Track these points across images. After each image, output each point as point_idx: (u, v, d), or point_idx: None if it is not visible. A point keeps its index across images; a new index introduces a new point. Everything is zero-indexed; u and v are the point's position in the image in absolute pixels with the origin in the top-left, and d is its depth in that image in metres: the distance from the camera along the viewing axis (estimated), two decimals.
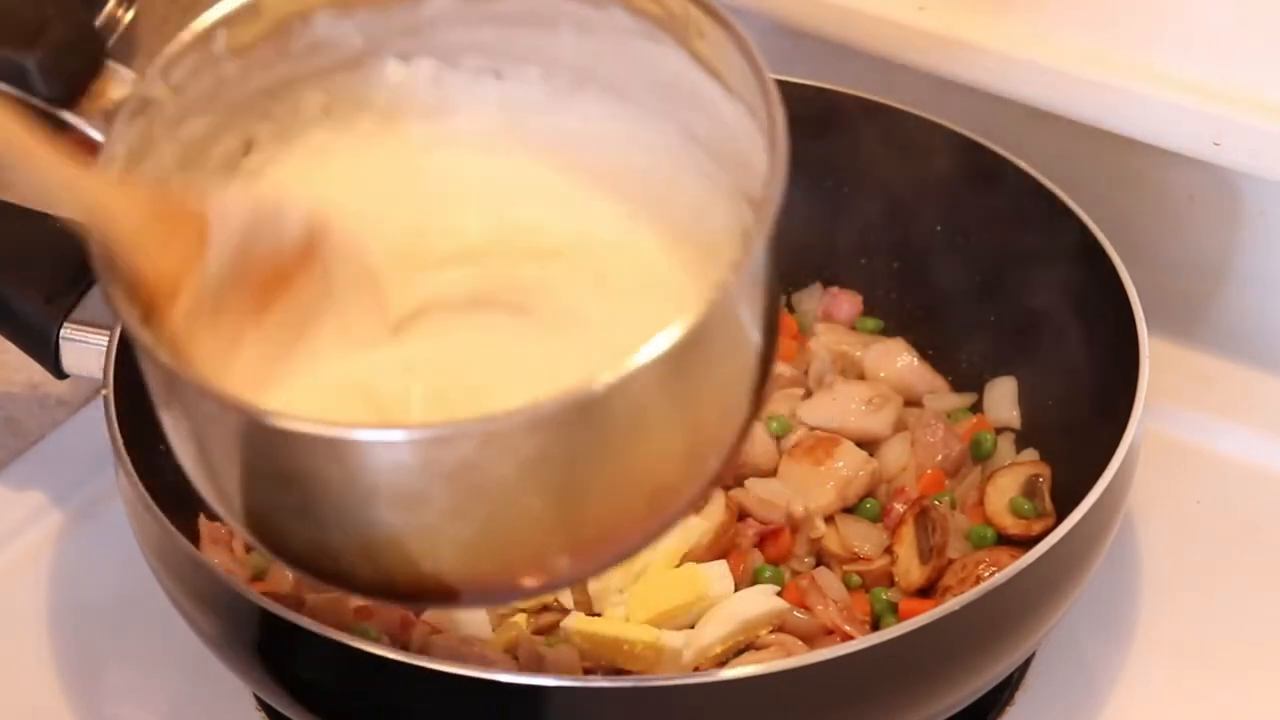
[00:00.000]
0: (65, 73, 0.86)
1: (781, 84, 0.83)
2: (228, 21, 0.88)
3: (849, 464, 1.19)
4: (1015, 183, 1.23)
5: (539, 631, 1.10)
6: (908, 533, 1.15)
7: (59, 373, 1.20)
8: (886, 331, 1.31)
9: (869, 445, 1.22)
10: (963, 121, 1.26)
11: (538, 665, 1.06)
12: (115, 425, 1.08)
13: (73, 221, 0.79)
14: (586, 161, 0.91)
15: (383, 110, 0.93)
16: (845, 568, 1.16)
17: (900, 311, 1.31)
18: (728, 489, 1.19)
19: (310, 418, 0.76)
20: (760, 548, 1.16)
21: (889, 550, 1.16)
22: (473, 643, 1.08)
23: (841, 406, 1.23)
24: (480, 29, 0.91)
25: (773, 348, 0.84)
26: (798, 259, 1.33)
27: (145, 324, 0.81)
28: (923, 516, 1.15)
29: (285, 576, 1.14)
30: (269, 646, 1.01)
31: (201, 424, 0.81)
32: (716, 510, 1.16)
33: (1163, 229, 1.35)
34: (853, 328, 1.32)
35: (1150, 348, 1.11)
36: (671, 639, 1.07)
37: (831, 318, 1.32)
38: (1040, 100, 1.27)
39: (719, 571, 1.12)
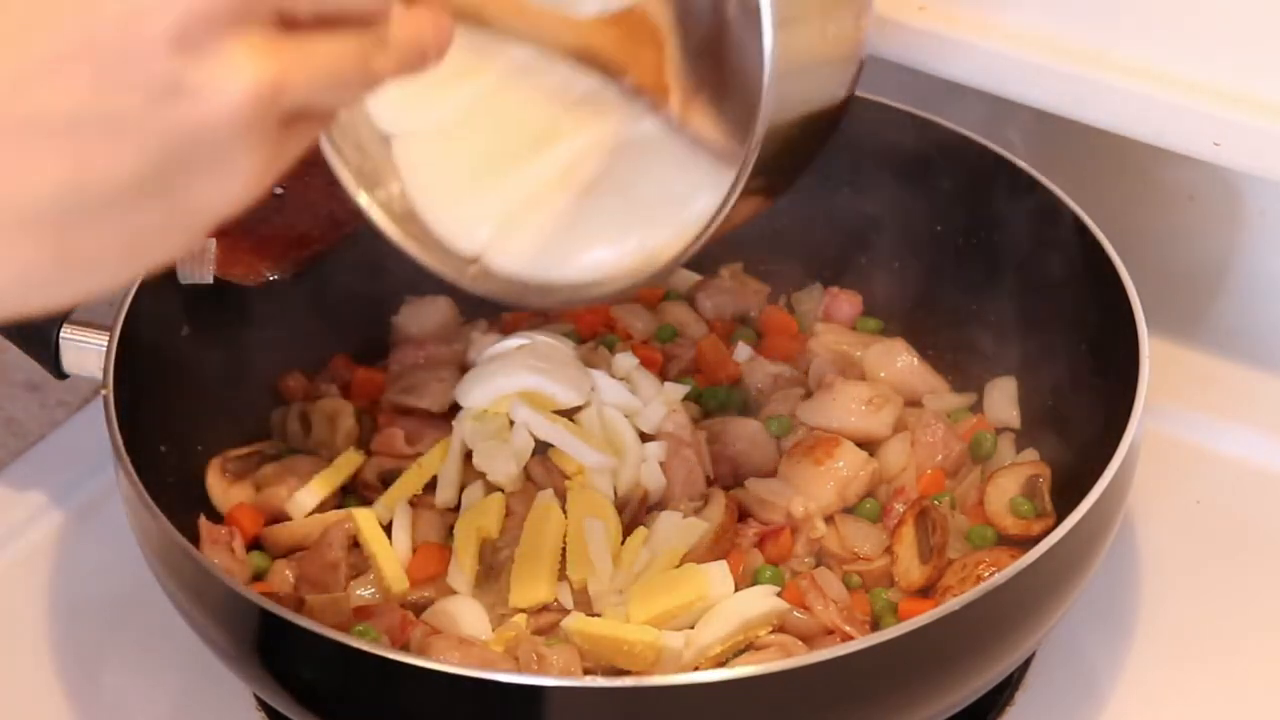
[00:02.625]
0: None
1: None
2: None
3: (849, 464, 1.19)
4: (1015, 183, 1.23)
5: (539, 631, 1.11)
6: (908, 533, 1.15)
7: (59, 373, 1.20)
8: (886, 331, 1.31)
9: (869, 445, 1.22)
10: (963, 121, 1.26)
11: (538, 665, 1.06)
12: (115, 425, 1.08)
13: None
14: None
15: None
16: (845, 568, 1.16)
17: (900, 311, 1.31)
18: (728, 489, 1.19)
19: None
20: (760, 548, 1.16)
21: (889, 550, 1.16)
22: (473, 643, 1.08)
23: (841, 406, 1.23)
24: None
25: None
26: (798, 259, 1.33)
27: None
28: (923, 516, 1.15)
29: (285, 577, 1.14)
30: (269, 646, 1.01)
31: None
32: (716, 510, 1.16)
33: (1163, 229, 1.35)
34: (853, 328, 1.32)
35: (1150, 348, 1.11)
36: (671, 639, 1.07)
37: (831, 318, 1.32)
38: (1040, 100, 1.27)
39: (719, 571, 1.12)
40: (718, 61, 0.91)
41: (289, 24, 0.68)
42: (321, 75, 0.69)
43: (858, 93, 1.24)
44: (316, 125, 0.71)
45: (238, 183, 0.68)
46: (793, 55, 0.87)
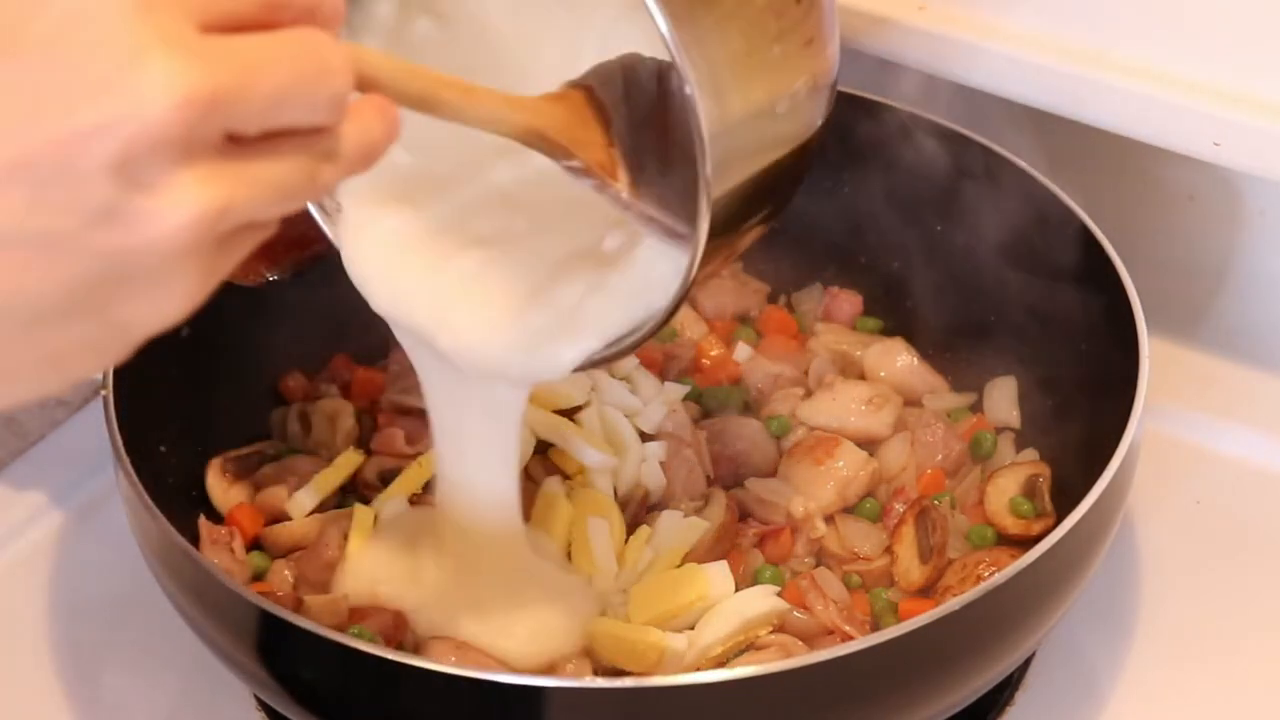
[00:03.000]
0: None
1: None
2: None
3: (849, 464, 1.19)
4: (1015, 183, 1.23)
5: None
6: (908, 533, 1.15)
7: None
8: (886, 331, 1.31)
9: (869, 445, 1.22)
10: (963, 121, 1.26)
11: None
12: (115, 425, 1.08)
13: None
14: None
15: None
16: (845, 568, 1.16)
17: (900, 311, 1.31)
18: (728, 489, 1.19)
19: None
20: (760, 548, 1.16)
21: (889, 550, 1.16)
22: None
23: (841, 406, 1.23)
24: None
25: None
26: (798, 259, 1.33)
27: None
28: (923, 516, 1.15)
29: (285, 577, 1.14)
30: (269, 646, 1.01)
31: None
32: (717, 510, 1.16)
33: (1163, 229, 1.35)
34: (853, 328, 1.32)
35: (1150, 348, 1.11)
36: (674, 640, 1.07)
37: (831, 318, 1.32)
38: (1040, 100, 1.27)
39: (720, 572, 1.12)
40: (661, 133, 0.90)
41: (234, 140, 0.66)
42: (266, 195, 0.68)
43: (858, 92, 1.25)
44: (257, 235, 0.70)
45: (172, 302, 0.67)
46: (726, 121, 0.86)
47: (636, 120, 0.90)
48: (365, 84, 0.73)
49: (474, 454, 1.07)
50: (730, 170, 0.87)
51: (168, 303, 0.67)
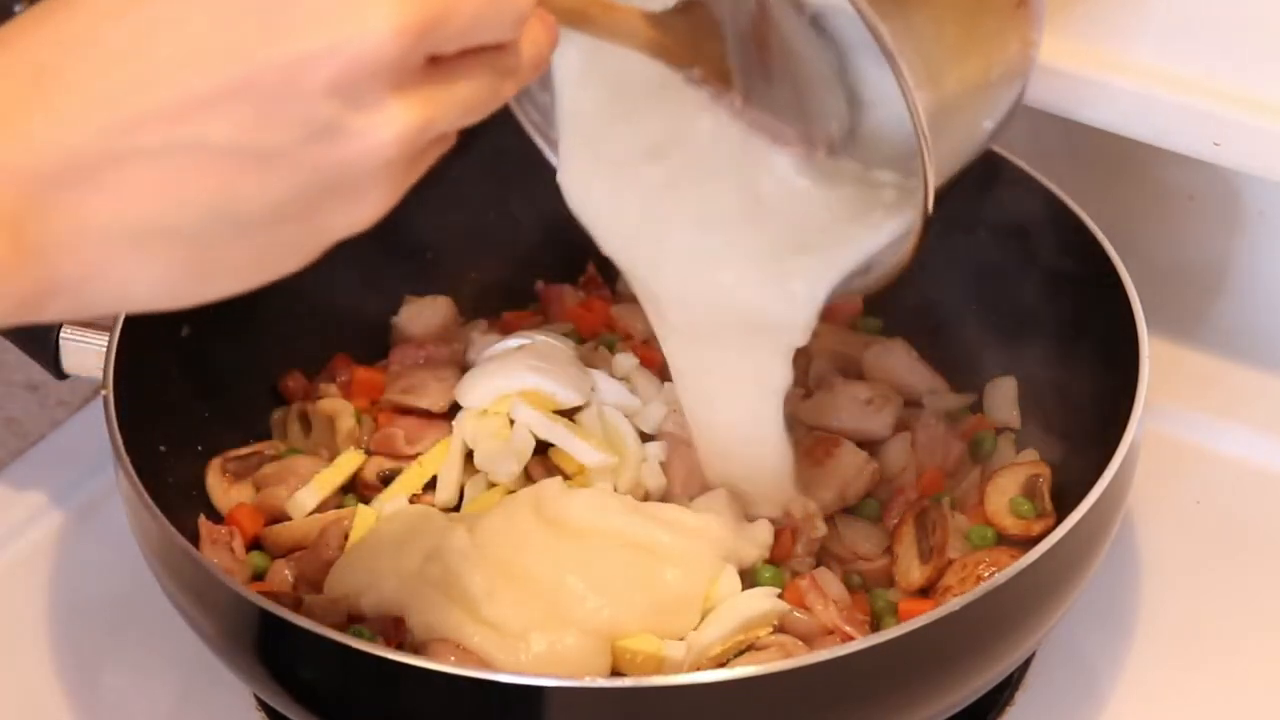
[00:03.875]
0: None
1: None
2: None
3: (849, 464, 1.19)
4: (1015, 182, 1.23)
5: None
6: (908, 533, 1.15)
7: (59, 373, 1.20)
8: (886, 331, 1.31)
9: (869, 445, 1.22)
10: None
11: None
12: (115, 425, 1.08)
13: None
14: None
15: None
16: (845, 568, 1.16)
17: (900, 311, 1.31)
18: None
19: None
20: None
21: (889, 550, 1.16)
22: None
23: (841, 406, 1.23)
24: None
25: None
26: None
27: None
28: (923, 516, 1.15)
29: (285, 577, 1.14)
30: (269, 646, 1.01)
31: None
32: (766, 532, 1.15)
33: (1163, 229, 1.35)
34: (853, 328, 1.32)
35: (1150, 348, 1.11)
36: (673, 649, 1.06)
37: (831, 318, 1.32)
38: (1040, 100, 1.26)
39: (726, 573, 1.11)
40: (762, 48, 0.98)
41: (434, 61, 0.72)
42: (460, 110, 0.74)
43: None
44: (443, 147, 0.76)
45: (369, 208, 0.74)
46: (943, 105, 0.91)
47: (743, 35, 0.98)
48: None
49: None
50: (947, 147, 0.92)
51: (365, 209, 0.74)
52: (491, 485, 1.18)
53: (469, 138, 0.78)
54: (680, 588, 1.09)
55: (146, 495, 1.05)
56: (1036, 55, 0.98)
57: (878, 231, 1.01)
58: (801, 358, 1.27)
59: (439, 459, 1.20)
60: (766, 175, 1.03)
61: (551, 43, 0.79)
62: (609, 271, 1.29)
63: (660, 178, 1.06)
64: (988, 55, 0.94)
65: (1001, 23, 0.95)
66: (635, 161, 1.06)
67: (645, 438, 1.20)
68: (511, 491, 1.17)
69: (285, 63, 0.69)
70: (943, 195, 0.93)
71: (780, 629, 1.10)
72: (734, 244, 1.05)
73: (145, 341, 1.15)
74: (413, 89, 0.71)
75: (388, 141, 0.71)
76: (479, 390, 1.21)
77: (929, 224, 0.92)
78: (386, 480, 1.20)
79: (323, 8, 0.69)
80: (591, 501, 1.12)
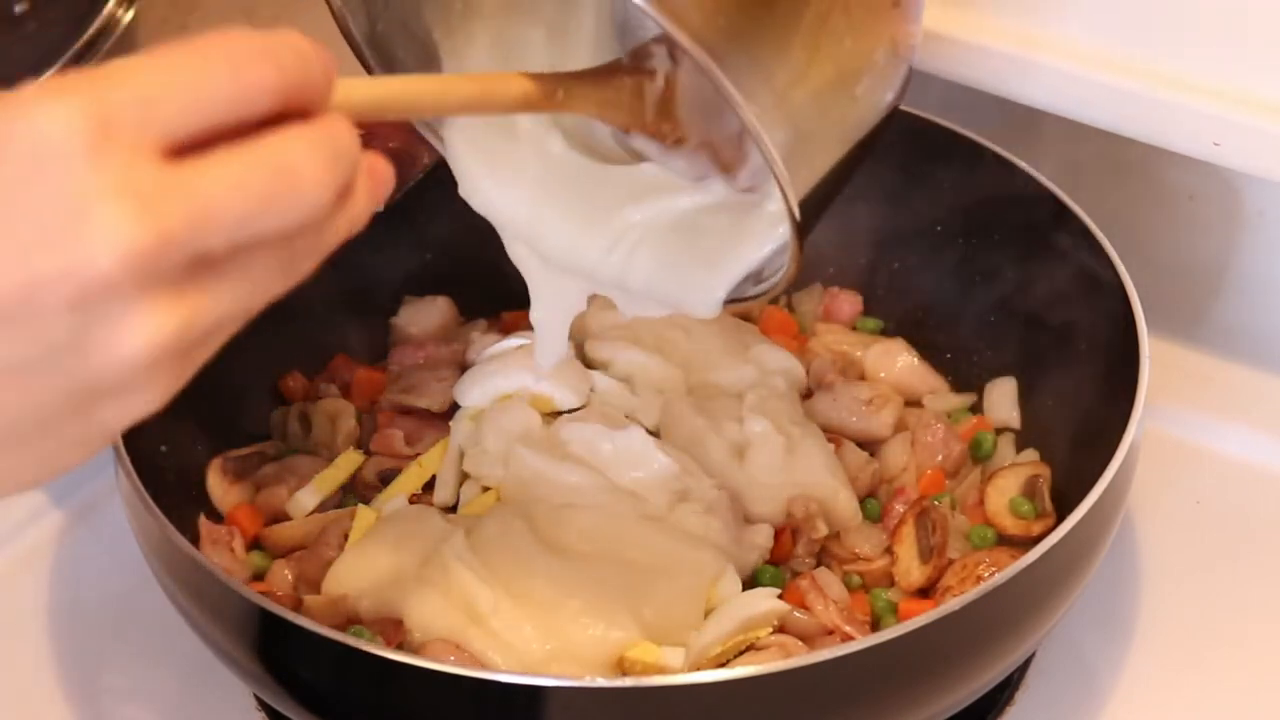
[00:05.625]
0: None
1: None
2: None
3: (849, 464, 1.19)
4: (1015, 183, 1.23)
5: None
6: (908, 533, 1.15)
7: None
8: (886, 331, 1.31)
9: (869, 445, 1.22)
10: (963, 122, 1.26)
11: None
12: None
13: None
14: None
15: None
16: (845, 568, 1.16)
17: (900, 311, 1.31)
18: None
19: None
20: None
21: (889, 550, 1.16)
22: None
23: (841, 406, 1.23)
24: None
25: None
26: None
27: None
28: (923, 516, 1.15)
29: (285, 576, 1.14)
30: (269, 646, 1.01)
31: None
32: (766, 535, 1.15)
33: (1163, 229, 1.35)
34: (853, 328, 1.32)
35: (1150, 348, 1.11)
36: (673, 657, 1.06)
37: (831, 318, 1.32)
38: (1040, 100, 1.27)
39: (727, 574, 1.11)
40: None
41: (203, 260, 0.68)
42: (236, 304, 0.70)
43: None
44: (235, 327, 0.72)
45: (147, 402, 0.70)
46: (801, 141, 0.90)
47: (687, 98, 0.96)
48: (358, 117, 0.74)
49: None
50: (808, 175, 0.91)
51: (141, 403, 0.70)
52: (485, 489, 1.18)
53: None
54: (682, 600, 1.09)
55: (146, 495, 1.05)
56: (917, 44, 0.97)
57: (760, 243, 0.99)
58: (802, 358, 1.28)
59: (438, 459, 1.20)
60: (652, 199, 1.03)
61: (375, 196, 0.74)
62: None
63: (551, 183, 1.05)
64: (848, 65, 0.93)
65: (873, 29, 0.94)
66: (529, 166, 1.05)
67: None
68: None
69: (22, 280, 0.65)
70: (824, 200, 0.93)
71: (780, 629, 1.10)
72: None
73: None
74: (168, 296, 0.67)
75: (139, 349, 0.67)
76: (478, 390, 1.21)
77: (801, 235, 0.91)
78: (386, 480, 1.20)
79: (52, 231, 0.65)
80: (590, 523, 1.12)
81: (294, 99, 0.69)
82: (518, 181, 1.03)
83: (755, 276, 1.00)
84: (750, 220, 1.00)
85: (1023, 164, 1.23)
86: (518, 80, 0.88)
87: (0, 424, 0.68)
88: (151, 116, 0.66)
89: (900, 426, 1.23)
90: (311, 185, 0.69)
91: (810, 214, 0.91)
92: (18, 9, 1.12)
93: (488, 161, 1.04)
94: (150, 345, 0.67)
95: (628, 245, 1.01)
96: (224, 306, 0.69)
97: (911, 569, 1.14)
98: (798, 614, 1.10)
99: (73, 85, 0.66)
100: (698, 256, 1.00)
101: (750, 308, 1.33)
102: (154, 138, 0.66)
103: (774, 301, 1.34)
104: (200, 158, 0.67)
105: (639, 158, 1.04)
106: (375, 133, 1.19)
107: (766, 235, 0.99)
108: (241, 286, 0.70)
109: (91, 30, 1.15)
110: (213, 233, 0.67)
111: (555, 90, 0.91)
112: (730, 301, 1.00)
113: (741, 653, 1.08)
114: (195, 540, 1.13)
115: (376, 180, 0.74)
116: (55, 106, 0.65)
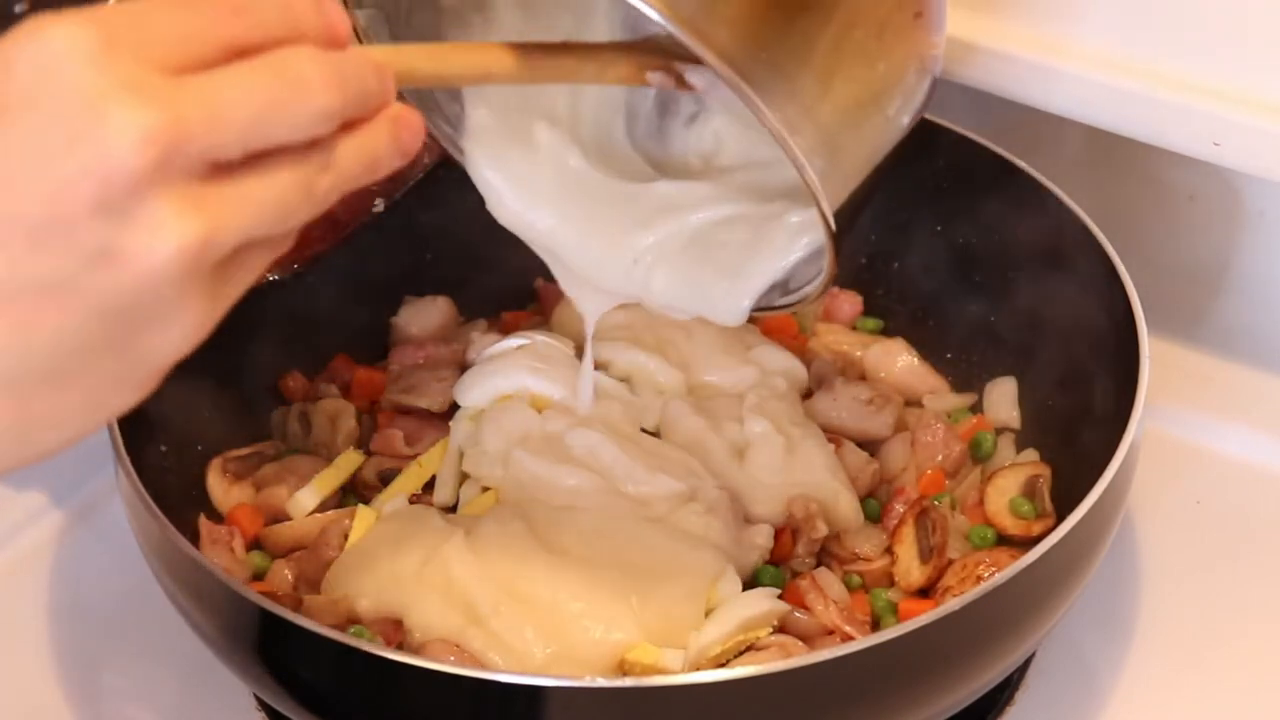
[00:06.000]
0: None
1: None
2: None
3: (849, 464, 1.19)
4: (1015, 183, 1.23)
5: None
6: (908, 533, 1.15)
7: None
8: (886, 331, 1.31)
9: (869, 445, 1.22)
10: (963, 122, 1.26)
11: None
12: (115, 425, 1.08)
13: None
14: None
15: None
16: (845, 568, 1.16)
17: (900, 311, 1.31)
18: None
19: None
20: None
21: (889, 550, 1.16)
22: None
23: (842, 406, 1.23)
24: None
25: None
26: None
27: None
28: (923, 517, 1.15)
29: (285, 576, 1.14)
30: (269, 646, 1.01)
31: None
32: (766, 535, 1.15)
33: (1163, 229, 1.35)
34: (853, 328, 1.32)
35: (1150, 348, 1.11)
36: (672, 659, 1.06)
37: (831, 318, 1.32)
38: (1040, 101, 1.26)
39: (727, 574, 1.11)
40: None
41: (221, 167, 0.69)
42: (258, 217, 0.70)
43: None
44: (266, 253, 0.72)
45: (186, 329, 0.70)
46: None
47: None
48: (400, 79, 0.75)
49: None
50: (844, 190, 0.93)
51: (179, 330, 0.70)
52: (485, 489, 1.18)
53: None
54: (682, 600, 1.09)
55: (146, 495, 1.05)
56: (941, 55, 0.99)
57: (784, 254, 1.01)
58: (802, 358, 1.28)
59: (438, 459, 1.20)
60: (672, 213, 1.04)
61: (395, 144, 0.75)
62: None
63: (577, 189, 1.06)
64: (872, 76, 0.94)
65: (899, 43, 0.95)
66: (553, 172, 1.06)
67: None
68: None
69: (47, 191, 0.66)
70: (856, 209, 0.95)
71: (780, 629, 1.10)
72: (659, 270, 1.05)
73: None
74: (187, 198, 0.67)
75: (170, 255, 0.67)
76: (477, 390, 1.21)
77: (837, 243, 0.93)
78: (386, 480, 1.20)
79: (70, 132, 0.66)
80: (590, 524, 1.12)
81: (292, 43, 0.71)
82: (538, 202, 1.05)
83: (782, 286, 1.02)
84: (771, 231, 1.01)
85: (1023, 164, 1.23)
86: (498, 51, 0.89)
87: (40, 353, 0.68)
88: (152, 38, 0.68)
89: (900, 426, 1.23)
90: (320, 92, 0.70)
91: (844, 223, 0.92)
92: (18, 9, 1.12)
93: (509, 179, 1.05)
94: (179, 251, 0.67)
95: (645, 267, 1.03)
96: (247, 219, 0.70)
97: (911, 569, 1.14)
98: (798, 614, 1.10)
99: (73, 13, 0.67)
100: (719, 270, 1.02)
101: None
102: (158, 56, 0.67)
103: None
104: (205, 72, 0.69)
105: (655, 166, 1.04)
106: None
107: (790, 246, 1.00)
108: (263, 201, 0.70)
109: None
110: (225, 129, 0.68)
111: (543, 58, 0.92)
112: (760, 310, 1.02)
113: (741, 653, 1.08)
114: (195, 540, 1.13)
115: (403, 126, 0.75)
116: (58, 26, 0.67)
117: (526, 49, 0.88)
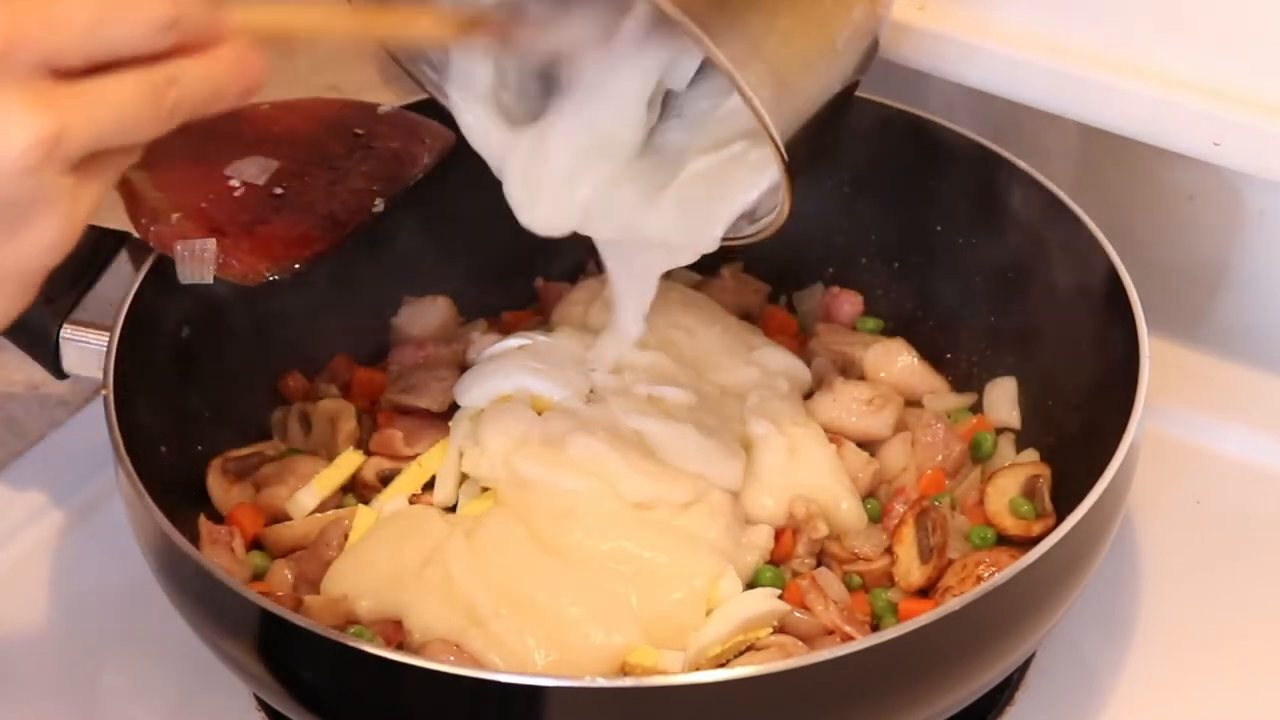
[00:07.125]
0: None
1: None
2: None
3: (849, 464, 1.19)
4: (1015, 183, 1.23)
5: None
6: (908, 533, 1.15)
7: (59, 373, 1.20)
8: (886, 331, 1.31)
9: (869, 445, 1.22)
10: (963, 121, 1.26)
11: None
12: (115, 425, 1.08)
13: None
14: None
15: None
16: (845, 568, 1.16)
17: (900, 311, 1.31)
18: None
19: None
20: None
21: (889, 550, 1.16)
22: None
23: (842, 406, 1.23)
24: None
25: None
26: (798, 259, 1.33)
27: None
28: (923, 517, 1.15)
29: (285, 576, 1.14)
30: (269, 646, 1.01)
31: None
32: (766, 536, 1.15)
33: (1163, 229, 1.35)
34: (853, 328, 1.32)
35: (1150, 348, 1.11)
36: (670, 660, 1.06)
37: (832, 318, 1.32)
38: (1041, 100, 1.27)
39: (727, 575, 1.11)
40: None
41: (65, 74, 0.71)
42: (106, 119, 0.72)
43: (858, 93, 1.25)
44: (120, 161, 0.74)
45: (49, 232, 0.71)
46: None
47: None
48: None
49: None
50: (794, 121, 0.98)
51: (44, 233, 0.71)
52: (485, 489, 1.18)
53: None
54: (683, 601, 1.09)
55: (146, 495, 1.05)
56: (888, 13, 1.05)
57: (747, 187, 1.07)
58: (802, 358, 1.28)
59: (438, 459, 1.20)
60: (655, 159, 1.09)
61: (240, 80, 0.78)
62: None
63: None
64: (824, 16, 0.99)
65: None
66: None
67: None
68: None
69: None
70: (813, 141, 0.99)
71: (780, 629, 1.10)
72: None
73: (145, 341, 1.15)
74: (33, 95, 0.70)
75: (25, 148, 0.69)
76: (477, 390, 1.21)
77: (792, 176, 0.98)
78: (386, 480, 1.20)
79: None
80: (590, 525, 1.12)
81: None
82: (560, 210, 1.09)
83: (749, 216, 1.08)
84: (735, 169, 1.06)
85: (1023, 164, 1.23)
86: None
87: None
88: None
89: (900, 426, 1.23)
90: (152, 4, 0.73)
91: (799, 154, 0.96)
92: None
93: (531, 191, 1.09)
94: (35, 142, 0.69)
95: (669, 199, 1.08)
96: (98, 119, 0.72)
97: (911, 569, 1.14)
98: (798, 614, 1.10)
99: None
100: (703, 203, 1.07)
101: (752, 307, 1.33)
102: None
103: (774, 301, 1.34)
104: None
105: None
106: (377, 134, 1.21)
107: (752, 180, 1.06)
108: (112, 104, 0.72)
109: None
110: (63, 31, 0.70)
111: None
112: (730, 239, 1.08)
113: (741, 653, 1.08)
114: (195, 540, 1.13)
115: (245, 65, 0.78)
116: None
117: (364, 6, 0.93)
